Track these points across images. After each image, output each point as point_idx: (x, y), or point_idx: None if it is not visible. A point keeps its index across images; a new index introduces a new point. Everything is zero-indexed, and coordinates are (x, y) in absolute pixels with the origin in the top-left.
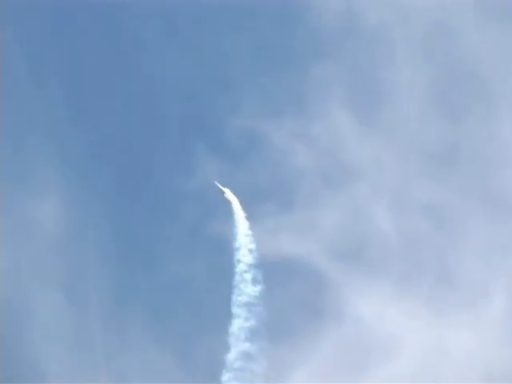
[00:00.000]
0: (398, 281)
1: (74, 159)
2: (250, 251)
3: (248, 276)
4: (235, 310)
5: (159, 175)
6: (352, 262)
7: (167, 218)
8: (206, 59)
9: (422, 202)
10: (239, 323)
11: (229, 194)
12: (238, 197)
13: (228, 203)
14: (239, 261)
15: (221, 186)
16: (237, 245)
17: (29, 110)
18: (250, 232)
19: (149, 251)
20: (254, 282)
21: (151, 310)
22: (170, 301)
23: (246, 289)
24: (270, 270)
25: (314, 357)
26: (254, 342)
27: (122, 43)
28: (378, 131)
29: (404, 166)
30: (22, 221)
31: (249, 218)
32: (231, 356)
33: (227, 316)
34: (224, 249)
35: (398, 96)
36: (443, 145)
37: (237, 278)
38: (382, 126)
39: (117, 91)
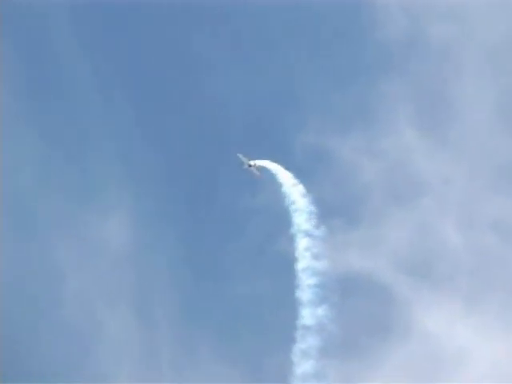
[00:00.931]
0: (466, 296)
1: (142, 179)
2: (318, 267)
3: (315, 292)
4: (302, 327)
5: (226, 194)
6: (420, 278)
7: (234, 237)
8: (272, 76)
9: (490, 217)
10: (306, 340)
11: (256, 166)
12: (305, 213)
13: (287, 215)
14: (306, 277)
15: (243, 159)
16: (303, 261)
17: (97, 130)
18: (317, 247)
19: (216, 269)
20: (321, 297)
21: (219, 328)
22: (238, 319)
23: (313, 305)
24: (338, 285)
25: (381, 372)
26: (322, 358)
27: (188, 62)
28: (446, 146)
29: (472, 180)
30: (91, 241)
31: (316, 233)
32: (299, 373)
33: (294, 333)
34: (290, 266)
35: (466, 110)
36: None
37: (304, 294)
38: (449, 141)
39: (184, 110)
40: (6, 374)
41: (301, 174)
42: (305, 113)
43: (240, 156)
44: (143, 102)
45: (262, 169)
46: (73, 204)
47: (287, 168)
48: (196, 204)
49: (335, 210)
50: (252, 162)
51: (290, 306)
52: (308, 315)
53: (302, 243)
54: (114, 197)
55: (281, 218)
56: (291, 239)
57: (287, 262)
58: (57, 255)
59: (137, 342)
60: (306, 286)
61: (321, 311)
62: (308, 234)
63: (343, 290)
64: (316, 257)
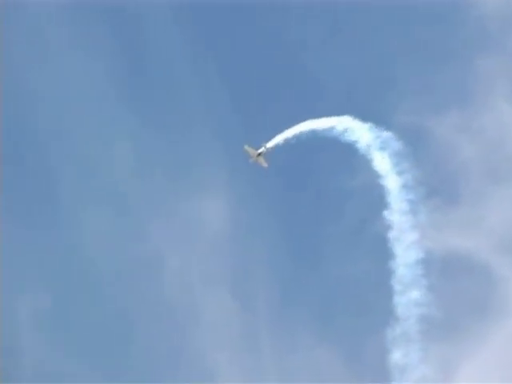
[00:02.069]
0: None
1: (239, 159)
2: (416, 248)
3: (413, 273)
4: (400, 308)
5: (323, 174)
6: None
7: (331, 217)
8: (368, 56)
9: None
10: (405, 322)
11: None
12: (403, 193)
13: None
14: (404, 258)
15: (250, 150)
16: (401, 242)
17: (194, 110)
18: (415, 228)
19: (314, 250)
20: (420, 278)
21: (317, 309)
22: (336, 300)
23: (411, 286)
24: (437, 265)
25: (480, 355)
26: (420, 340)
27: (286, 45)
28: None
29: None
30: (189, 221)
31: (415, 213)
32: (397, 355)
33: (393, 315)
34: (388, 247)
35: None
36: None
37: (402, 275)
38: None
39: (281, 91)
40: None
41: (398, 154)
42: (401, 93)
43: (246, 148)
44: (239, 81)
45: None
46: (171, 184)
47: (384, 148)
48: (294, 184)
49: (433, 190)
50: (261, 149)
51: (388, 288)
52: (406, 297)
53: (399, 224)
54: (212, 178)
55: (378, 198)
56: (389, 220)
57: (385, 244)
58: (155, 236)
59: (235, 324)
60: (404, 266)
61: (419, 292)
62: (406, 215)
63: (442, 270)
64: (414, 237)
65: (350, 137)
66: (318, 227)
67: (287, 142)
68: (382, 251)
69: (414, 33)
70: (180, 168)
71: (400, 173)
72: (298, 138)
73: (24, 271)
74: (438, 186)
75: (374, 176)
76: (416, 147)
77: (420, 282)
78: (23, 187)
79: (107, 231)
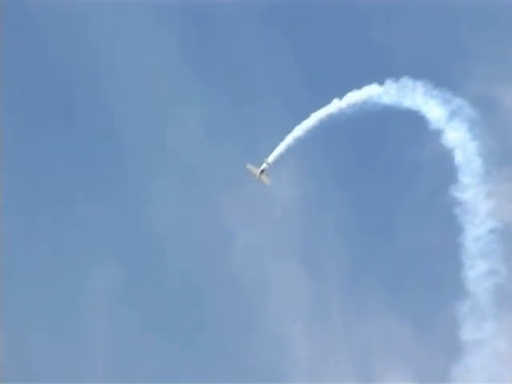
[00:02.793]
0: None
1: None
2: (487, 218)
3: (484, 244)
4: (471, 279)
5: (394, 146)
6: None
7: (402, 189)
8: (438, 27)
9: None
10: (476, 293)
11: (263, 177)
12: (473, 163)
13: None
14: (475, 228)
15: (252, 169)
16: (472, 213)
17: (260, 77)
18: (486, 198)
19: (384, 222)
20: (490, 249)
21: (387, 279)
22: (406, 271)
23: (482, 257)
24: (509, 236)
25: None
26: (492, 312)
27: (349, 15)
28: None
29: None
30: (260, 193)
31: (486, 183)
32: (468, 329)
33: (463, 286)
34: (459, 218)
35: None
36: None
37: (473, 246)
38: None
39: (348, 60)
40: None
41: (469, 123)
42: (471, 61)
43: (248, 166)
44: (304, 53)
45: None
46: (241, 155)
47: (454, 117)
48: (365, 156)
49: (503, 160)
50: (264, 166)
51: (459, 259)
52: (477, 268)
53: (470, 195)
54: None
55: (449, 169)
56: (460, 191)
57: (456, 215)
58: (225, 209)
59: (306, 296)
60: (475, 237)
61: (491, 264)
62: (477, 185)
63: None
64: (486, 208)
65: (421, 106)
66: (389, 199)
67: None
68: (453, 222)
69: (485, 2)
70: (250, 139)
71: (471, 142)
72: (366, 109)
73: (95, 245)
74: (507, 156)
75: (445, 146)
76: (486, 116)
77: (491, 253)
78: (92, 158)
79: (176, 204)
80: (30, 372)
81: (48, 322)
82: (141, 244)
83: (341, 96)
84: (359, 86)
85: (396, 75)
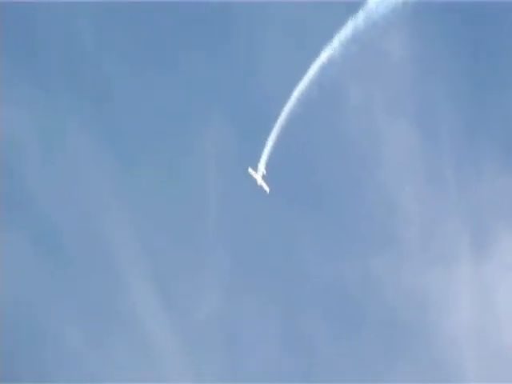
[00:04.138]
0: None
1: None
2: None
3: None
4: None
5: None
6: None
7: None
8: None
9: None
10: None
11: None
12: None
13: None
14: None
15: (254, 174)
16: None
17: None
18: None
19: (495, 80)
20: None
21: (502, 138)
22: None
23: None
24: None
25: None
26: None
27: None
28: None
29: None
30: (374, 50)
31: None
32: None
33: None
34: None
35: None
36: None
37: None
38: None
39: None
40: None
41: None
42: None
43: (251, 171)
44: None
45: None
46: None
47: None
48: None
49: None
50: (261, 172)
51: None
52: None
53: None
54: (392, 11)
55: None
56: None
57: None
58: (336, 67)
59: (419, 157)
60: None
61: None
62: None
63: None
64: None
65: None
66: (500, 56)
67: None
68: None
69: None
70: None
71: None
72: None
73: (205, 101)
74: None
75: None
76: None
77: None
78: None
79: (285, 63)
80: None
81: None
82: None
83: None
84: None
85: None
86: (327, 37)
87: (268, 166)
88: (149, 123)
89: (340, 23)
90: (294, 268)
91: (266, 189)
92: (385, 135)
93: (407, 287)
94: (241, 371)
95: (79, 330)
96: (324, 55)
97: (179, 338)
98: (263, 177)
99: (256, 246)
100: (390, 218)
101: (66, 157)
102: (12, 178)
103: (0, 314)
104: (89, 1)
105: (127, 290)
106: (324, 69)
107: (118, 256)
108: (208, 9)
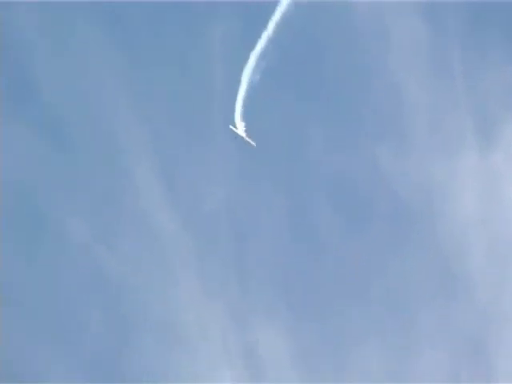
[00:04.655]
0: None
1: None
2: None
3: None
4: None
5: None
6: None
7: None
8: None
9: None
10: None
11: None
12: None
13: None
14: None
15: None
16: None
17: None
18: None
19: None
20: None
21: (509, 28)
22: None
23: None
24: None
25: None
26: None
27: None
28: None
29: None
30: None
31: None
32: None
33: None
34: None
35: None
36: None
37: None
38: None
39: None
40: None
41: None
42: None
43: (232, 128)
44: None
45: None
46: None
47: None
48: None
49: None
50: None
51: None
52: None
53: None
54: None
55: None
56: None
57: None
58: None
59: (426, 46)
60: None
61: None
62: None
63: None
64: None
65: None
66: None
67: None
68: None
69: None
70: None
71: None
72: None
73: None
74: None
75: None
76: None
77: None
78: None
79: None
80: None
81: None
82: None
83: None
84: None
85: None
86: None
87: (275, 50)
88: (157, 18)
89: None
90: (301, 159)
91: (253, 143)
92: (392, 24)
93: (414, 177)
94: (247, 263)
95: (84, 222)
96: None
97: (186, 230)
98: (246, 132)
99: (262, 138)
100: (397, 107)
101: (73, 49)
102: (17, 69)
103: (3, 203)
104: None
105: (133, 183)
106: None
107: (124, 148)
108: None
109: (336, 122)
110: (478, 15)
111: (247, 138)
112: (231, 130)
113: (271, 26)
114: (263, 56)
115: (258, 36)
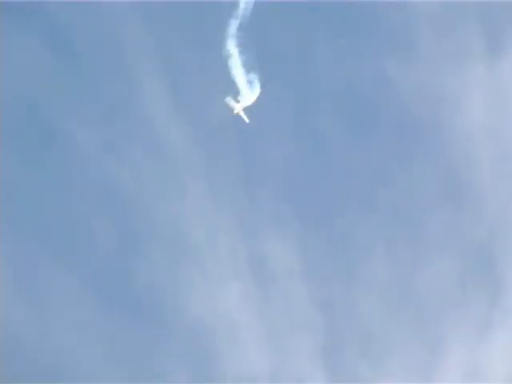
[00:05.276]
0: None
1: None
2: None
3: None
4: None
5: None
6: None
7: None
8: None
9: None
10: None
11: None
12: None
13: None
14: None
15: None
16: None
17: None
18: None
19: None
20: None
21: None
22: None
23: None
24: None
25: None
26: None
27: None
28: None
29: None
30: None
31: None
32: None
33: None
34: None
35: None
36: None
37: None
38: None
39: None
40: None
41: None
42: None
43: (228, 101)
44: None
45: None
46: None
47: None
48: None
49: None
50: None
51: None
52: None
53: None
54: None
55: None
56: None
57: None
58: None
59: None
60: None
61: None
62: None
63: None
64: None
65: None
66: None
67: None
68: None
69: None
70: None
71: None
72: None
73: None
74: None
75: None
76: None
77: None
78: None
79: None
80: None
81: None
82: None
83: None
84: None
85: None
86: None
87: None
88: None
89: None
90: (309, 69)
91: (246, 120)
92: None
93: (421, 86)
94: (255, 174)
95: (91, 130)
96: None
97: (195, 141)
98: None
99: (270, 47)
100: (404, 18)
101: None
102: None
103: (12, 114)
104: None
105: (140, 92)
106: None
107: (132, 57)
108: None
109: (344, 32)
110: None
111: (241, 114)
112: (226, 103)
113: None
114: None
115: None
